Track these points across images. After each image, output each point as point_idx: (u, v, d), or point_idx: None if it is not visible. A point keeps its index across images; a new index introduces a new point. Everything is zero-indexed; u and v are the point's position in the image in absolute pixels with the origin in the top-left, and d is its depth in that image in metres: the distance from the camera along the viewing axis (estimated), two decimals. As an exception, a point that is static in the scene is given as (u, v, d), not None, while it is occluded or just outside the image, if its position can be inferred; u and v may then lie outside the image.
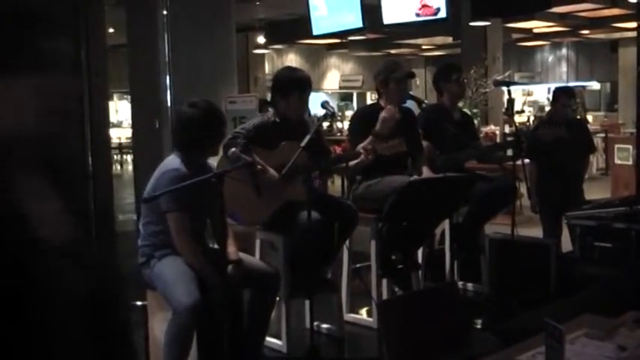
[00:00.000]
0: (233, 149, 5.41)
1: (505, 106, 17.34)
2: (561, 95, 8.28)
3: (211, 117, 5.06)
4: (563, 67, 33.14)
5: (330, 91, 32.35)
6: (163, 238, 4.96)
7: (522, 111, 28.02)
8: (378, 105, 6.67)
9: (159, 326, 4.83)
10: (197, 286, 4.68)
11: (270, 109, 6.18)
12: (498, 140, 13.48)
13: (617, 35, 25.51)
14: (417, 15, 10.70)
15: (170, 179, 4.84)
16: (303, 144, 5.35)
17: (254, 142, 5.73)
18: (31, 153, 2.84)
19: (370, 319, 6.52)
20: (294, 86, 5.95)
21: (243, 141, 5.69)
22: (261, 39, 24.40)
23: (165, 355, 4.67)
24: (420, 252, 6.95)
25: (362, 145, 5.97)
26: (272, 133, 5.86)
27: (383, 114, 6.26)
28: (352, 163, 5.92)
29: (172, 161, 5.01)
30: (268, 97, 6.38)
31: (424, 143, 6.79)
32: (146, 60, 12.16)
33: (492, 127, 15.13)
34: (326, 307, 6.18)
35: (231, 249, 5.06)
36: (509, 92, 6.78)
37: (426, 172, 6.61)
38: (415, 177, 6.32)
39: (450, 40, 22.47)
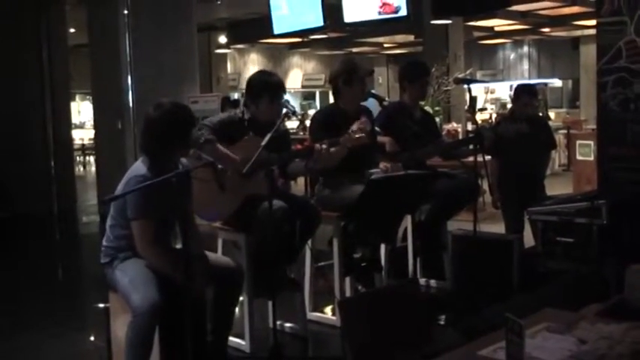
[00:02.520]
0: (192, 150, 5.39)
1: (467, 103, 17.42)
2: (523, 93, 8.32)
3: (176, 118, 4.97)
4: (525, 65, 33.38)
5: (292, 90, 32.37)
6: (128, 242, 4.92)
7: (484, 108, 28.13)
8: (337, 105, 6.65)
9: (121, 328, 4.80)
10: (158, 288, 4.65)
11: (239, 108, 6.19)
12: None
13: (578, 33, 25.73)
14: (378, 13, 10.73)
15: (136, 186, 4.80)
16: (263, 143, 5.33)
17: (218, 138, 5.73)
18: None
19: (334, 318, 6.52)
20: (267, 92, 5.95)
21: (209, 134, 5.69)
22: (222, 39, 24.39)
23: (127, 357, 4.64)
24: (382, 249, 6.96)
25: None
26: (238, 131, 5.87)
27: (360, 126, 6.22)
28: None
29: (139, 167, 4.95)
30: (231, 96, 6.39)
31: (386, 138, 6.80)
32: (108, 60, 12.13)
33: (454, 124, 15.18)
34: (289, 306, 6.19)
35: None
36: (469, 90, 6.80)
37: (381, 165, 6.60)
38: (377, 175, 6.31)
39: (411, 38, 22.57)
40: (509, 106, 20.58)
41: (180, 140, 4.97)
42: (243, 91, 6.38)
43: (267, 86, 6.00)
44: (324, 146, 5.74)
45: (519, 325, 2.78)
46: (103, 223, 5.22)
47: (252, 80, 6.17)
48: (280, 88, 6.08)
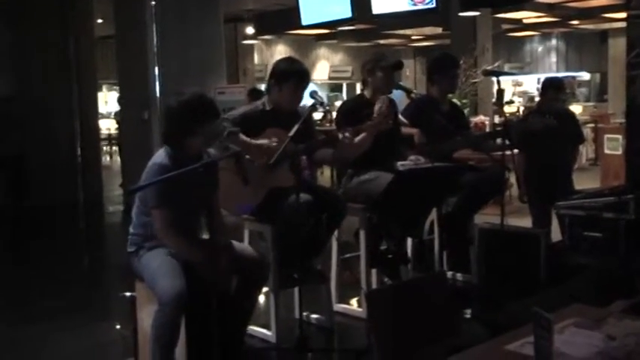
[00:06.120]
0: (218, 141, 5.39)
1: (495, 96, 17.35)
2: (550, 87, 8.27)
3: (196, 107, 4.94)
4: (553, 58, 33.18)
5: (319, 82, 32.31)
6: (153, 230, 4.93)
7: (512, 101, 27.95)
8: (363, 96, 6.67)
9: (147, 318, 4.81)
10: (183, 278, 4.65)
11: (265, 97, 6.17)
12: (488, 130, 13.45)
13: (606, 26, 25.57)
14: (407, 5, 10.70)
15: (154, 174, 4.79)
16: (291, 134, 5.34)
17: (241, 130, 5.71)
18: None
19: (359, 310, 6.53)
20: (291, 76, 5.93)
21: (231, 127, 5.67)
22: (249, 30, 24.36)
23: (152, 347, 4.65)
24: (409, 242, 6.95)
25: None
26: (260, 122, 5.85)
27: (379, 105, 6.20)
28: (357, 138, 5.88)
29: (160, 155, 4.95)
30: (258, 87, 6.38)
31: (414, 130, 6.78)
32: (134, 51, 12.17)
33: (482, 117, 15.15)
34: (315, 298, 6.20)
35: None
36: (498, 82, 6.76)
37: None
38: (404, 167, 6.30)
39: (439, 30, 22.51)
40: (536, 99, 20.50)
41: (201, 130, 4.93)
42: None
43: (294, 72, 5.98)
44: (347, 134, 5.73)
45: (548, 320, 2.76)
46: (127, 213, 5.24)
47: (278, 64, 6.15)
48: (306, 76, 6.06)
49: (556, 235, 7.20)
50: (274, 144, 5.59)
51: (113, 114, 25.50)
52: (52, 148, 14.37)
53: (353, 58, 32.10)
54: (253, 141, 5.73)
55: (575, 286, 5.50)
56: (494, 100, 17.93)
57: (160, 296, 4.60)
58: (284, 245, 5.74)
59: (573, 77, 29.86)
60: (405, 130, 6.79)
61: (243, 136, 5.70)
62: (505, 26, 23.77)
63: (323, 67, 32.74)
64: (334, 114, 8.84)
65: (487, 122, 14.32)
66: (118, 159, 18.59)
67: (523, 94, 30.19)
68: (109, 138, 25.88)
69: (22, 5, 14.01)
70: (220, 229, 5.12)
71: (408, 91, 6.90)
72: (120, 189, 15.63)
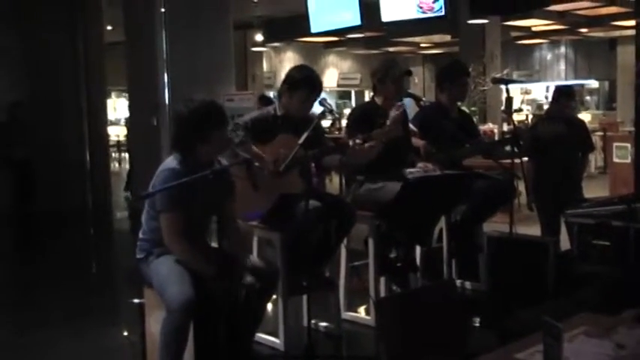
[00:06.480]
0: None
1: (503, 104, 17.36)
2: (561, 95, 8.27)
3: (205, 115, 4.93)
4: (562, 66, 33.14)
5: (328, 89, 32.31)
6: (162, 235, 4.93)
7: (520, 109, 27.99)
8: (374, 102, 6.67)
9: (156, 324, 4.81)
10: (192, 285, 4.64)
11: (274, 101, 6.19)
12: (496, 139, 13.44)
13: (615, 33, 25.55)
14: (416, 12, 10.72)
15: (165, 179, 4.79)
16: (300, 141, 5.34)
17: (252, 136, 5.73)
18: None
19: (368, 318, 6.51)
20: (302, 85, 5.95)
21: (242, 134, 5.68)
22: (259, 37, 24.38)
23: (161, 353, 4.65)
24: (418, 250, 6.94)
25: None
26: (271, 128, 5.87)
27: (394, 112, 6.20)
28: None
29: (170, 161, 4.96)
30: (267, 94, 6.40)
31: (420, 142, 6.78)
32: (144, 58, 12.16)
33: (491, 125, 15.15)
34: (324, 305, 6.19)
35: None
36: (507, 90, 6.76)
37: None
38: (413, 175, 6.30)
39: (448, 38, 22.53)
40: (545, 107, 20.47)
41: (211, 137, 4.93)
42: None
43: (305, 83, 6.00)
44: (357, 141, 5.73)
45: (558, 328, 2.76)
46: (132, 219, 5.24)
47: (293, 71, 6.21)
48: (317, 87, 6.07)
49: (565, 243, 7.18)
50: (282, 157, 5.61)
51: (123, 120, 25.56)
52: (61, 153, 14.42)
53: (362, 65, 32.12)
54: (261, 153, 5.74)
55: (585, 295, 5.49)
56: (502, 107, 18.02)
57: (168, 303, 4.60)
58: (293, 252, 5.73)
59: (582, 85, 29.83)
60: (413, 141, 6.80)
61: (253, 147, 5.72)
62: (514, 34, 23.78)
63: (332, 74, 32.75)
64: (343, 121, 8.84)
65: (496, 130, 14.32)
66: (127, 166, 18.64)
67: (532, 101, 30.19)
68: (118, 145, 25.91)
69: (31, 11, 14.07)
70: (237, 238, 5.12)
71: (417, 99, 6.90)
72: (126, 194, 15.71)
